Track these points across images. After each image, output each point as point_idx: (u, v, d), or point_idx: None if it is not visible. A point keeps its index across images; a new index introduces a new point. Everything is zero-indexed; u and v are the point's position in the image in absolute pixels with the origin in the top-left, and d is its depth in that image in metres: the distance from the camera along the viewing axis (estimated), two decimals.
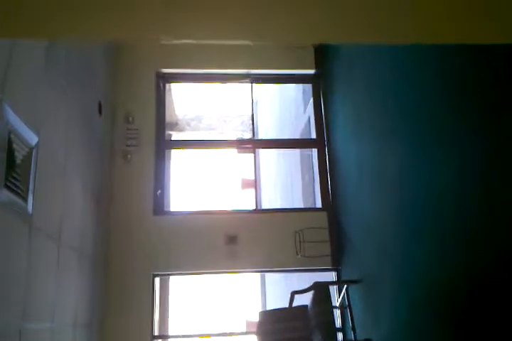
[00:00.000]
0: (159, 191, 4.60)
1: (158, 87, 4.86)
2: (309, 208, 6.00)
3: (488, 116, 2.08)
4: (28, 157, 2.35)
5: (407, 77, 2.95)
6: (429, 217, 2.66)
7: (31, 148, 2.39)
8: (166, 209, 4.72)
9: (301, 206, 7.66)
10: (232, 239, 4.43)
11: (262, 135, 10.37)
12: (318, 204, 5.11)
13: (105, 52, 4.24)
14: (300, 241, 4.37)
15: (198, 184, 14.72)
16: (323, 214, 4.66)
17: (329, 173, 4.81)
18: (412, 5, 0.93)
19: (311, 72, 5.07)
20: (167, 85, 5.07)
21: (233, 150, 5.27)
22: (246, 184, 12.27)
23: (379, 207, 3.50)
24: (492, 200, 2.06)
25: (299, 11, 0.94)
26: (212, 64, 4.95)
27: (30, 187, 2.38)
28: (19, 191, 2.24)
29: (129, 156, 4.50)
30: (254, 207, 5.19)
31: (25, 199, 2.32)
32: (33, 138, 2.40)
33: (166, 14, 0.93)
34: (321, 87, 5.04)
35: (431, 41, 1.02)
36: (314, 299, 3.65)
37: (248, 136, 9.52)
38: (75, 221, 3.27)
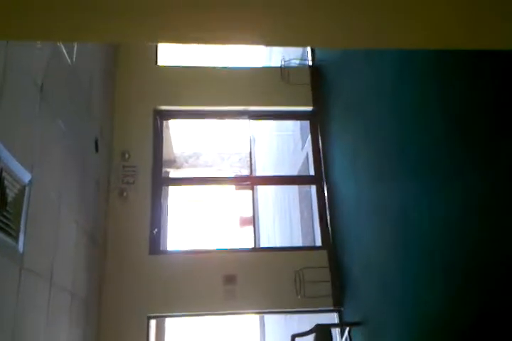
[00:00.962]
0: (156, 230, 4.51)
1: (155, 124, 4.86)
2: (309, 246, 5.88)
3: (489, 151, 2.04)
4: (20, 195, 2.28)
5: (405, 113, 2.94)
6: (432, 255, 2.58)
7: (24, 186, 2.33)
8: (162, 248, 4.61)
9: (301, 244, 7.55)
10: (230, 279, 4.31)
11: (260, 171, 10.35)
12: (318, 241, 5.01)
13: (103, 89, 4.25)
14: (300, 281, 4.25)
15: (196, 221, 14.55)
16: (323, 253, 4.56)
17: (328, 210, 4.74)
18: (420, 8, 0.91)
19: (309, 108, 5.09)
20: (165, 122, 5.07)
21: (231, 187, 5.21)
22: (244, 221, 12.13)
23: (380, 245, 3.42)
24: (498, 237, 1.99)
25: (308, 13, 0.91)
26: (210, 101, 4.98)
27: (22, 226, 2.31)
28: (10, 230, 2.16)
29: (125, 194, 4.43)
30: (252, 246, 5.09)
31: (15, 238, 2.24)
32: (25, 176, 2.34)
33: (174, 15, 0.90)
34: (319, 124, 5.05)
35: (438, 46, 0.99)
36: None
37: (246, 172, 9.49)
38: (67, 261, 3.16)
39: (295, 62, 5.28)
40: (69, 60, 3.07)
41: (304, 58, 5.39)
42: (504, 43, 0.94)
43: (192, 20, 0.94)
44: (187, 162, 8.65)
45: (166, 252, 4.62)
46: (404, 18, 0.92)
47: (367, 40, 1.04)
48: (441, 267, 2.48)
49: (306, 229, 7.01)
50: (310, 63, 5.28)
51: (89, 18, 0.86)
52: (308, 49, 5.44)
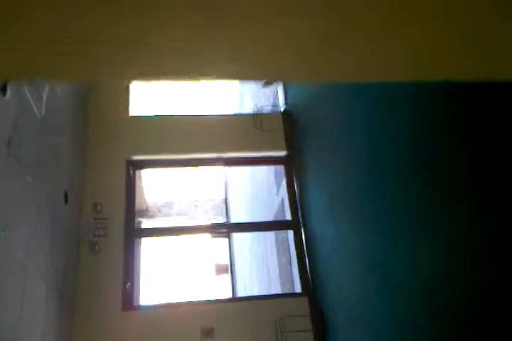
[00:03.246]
0: (129, 284, 4.32)
1: (128, 174, 4.78)
2: (289, 294, 5.72)
3: (469, 197, 2.04)
4: None
5: (381, 155, 2.95)
6: (416, 302, 2.52)
7: None
8: (135, 303, 4.40)
9: (280, 291, 7.37)
10: (208, 332, 4.13)
11: (235, 218, 10.24)
12: (298, 288, 4.89)
13: (73, 141, 4.18)
14: (281, 331, 4.10)
15: (170, 272, 14.14)
16: (304, 300, 4.44)
17: (307, 255, 4.66)
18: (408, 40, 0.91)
19: (283, 153, 5.12)
20: (137, 172, 5.00)
21: (206, 236, 5.11)
22: (220, 269, 11.85)
23: (362, 291, 3.33)
24: (485, 283, 1.95)
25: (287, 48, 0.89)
26: (183, 149, 4.96)
27: None
28: None
29: (96, 247, 4.26)
30: (230, 295, 4.94)
31: None
32: None
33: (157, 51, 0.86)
34: (294, 168, 5.06)
35: (425, 78, 0.98)
36: None
37: (220, 219, 9.36)
38: (35, 323, 2.96)
39: (267, 109, 5.35)
40: (38, 113, 3.01)
41: (275, 104, 5.48)
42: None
43: (166, 54, 0.91)
44: (160, 211, 8.51)
45: (139, 308, 4.42)
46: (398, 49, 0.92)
47: (353, 74, 1.03)
48: (426, 314, 2.42)
49: (285, 276, 6.86)
50: (282, 109, 5.37)
51: (59, 54, 0.82)
52: (280, 95, 5.54)
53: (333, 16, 0.85)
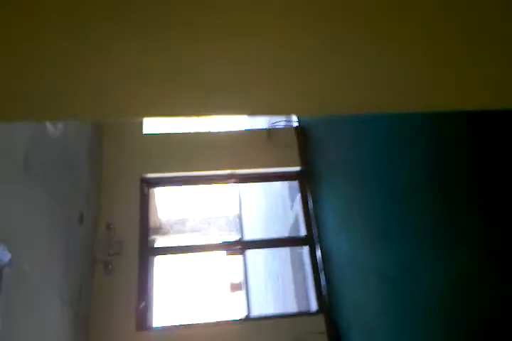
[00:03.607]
0: (143, 303, 4.27)
1: (142, 192, 4.77)
2: (305, 312, 5.63)
3: (490, 212, 1.98)
4: None
5: (397, 172, 2.91)
6: (435, 318, 2.45)
7: (2, 266, 2.17)
8: (149, 323, 4.34)
9: (295, 307, 7.27)
10: None
11: (249, 234, 10.17)
12: (314, 304, 4.81)
13: (89, 160, 4.19)
14: None
15: (184, 290, 14.05)
16: (320, 318, 4.37)
17: (323, 271, 4.59)
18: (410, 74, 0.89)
19: (297, 169, 5.08)
20: (151, 190, 4.99)
21: (220, 253, 5.06)
22: (234, 287, 11.73)
23: (378, 306, 3.26)
24: (506, 294, 1.88)
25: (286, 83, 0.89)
26: (197, 166, 4.95)
27: (0, 308, 2.12)
28: None
29: (110, 266, 4.23)
30: (244, 313, 4.87)
31: None
32: (4, 255, 2.19)
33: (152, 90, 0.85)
34: (308, 184, 5.01)
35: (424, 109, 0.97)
36: None
37: (233, 236, 9.30)
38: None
39: (281, 124, 5.34)
40: (54, 132, 3.02)
41: (289, 119, 5.47)
42: None
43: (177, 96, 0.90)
44: (173, 228, 8.48)
45: (154, 328, 4.35)
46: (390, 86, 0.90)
47: (355, 107, 1.01)
48: (444, 329, 2.34)
49: (301, 292, 6.76)
50: (296, 124, 5.35)
51: (73, 95, 0.81)
52: None
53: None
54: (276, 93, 0.92)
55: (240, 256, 4.91)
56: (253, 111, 1.04)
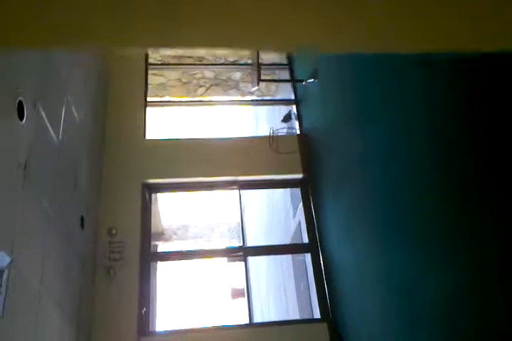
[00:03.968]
0: (144, 309, 4.25)
1: (144, 198, 4.76)
2: (307, 319, 5.58)
3: (495, 218, 1.97)
4: None
5: (400, 178, 2.89)
6: (441, 326, 2.42)
7: (2, 270, 2.17)
8: (151, 328, 4.33)
9: (298, 315, 7.21)
10: None
11: (251, 241, 10.14)
12: (317, 312, 4.77)
13: (90, 165, 4.19)
14: None
15: (186, 295, 13.99)
16: (323, 326, 4.33)
17: (326, 279, 4.56)
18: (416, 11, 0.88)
19: (299, 176, 5.07)
20: (153, 195, 4.98)
21: (222, 259, 5.04)
22: (236, 293, 11.68)
23: (383, 316, 3.22)
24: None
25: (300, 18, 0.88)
26: (199, 172, 4.94)
27: None
28: None
29: (112, 272, 4.22)
30: (246, 320, 4.83)
31: None
32: (4, 259, 2.19)
33: (161, 22, 0.84)
34: (310, 191, 5.00)
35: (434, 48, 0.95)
36: None
37: (236, 242, 9.28)
38: None
39: (283, 131, 5.34)
40: (55, 137, 3.03)
41: (291, 126, 5.47)
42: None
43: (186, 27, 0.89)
44: (176, 234, 8.47)
45: (155, 333, 4.33)
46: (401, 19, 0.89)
47: (359, 45, 1.00)
48: (452, 339, 2.32)
49: (303, 300, 6.72)
50: (298, 131, 5.35)
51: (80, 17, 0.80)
52: (296, 117, 5.54)
53: None
54: (281, 29, 0.90)
55: (242, 263, 4.88)
56: (258, 46, 1.04)
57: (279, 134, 5.24)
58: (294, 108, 5.68)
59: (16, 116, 2.37)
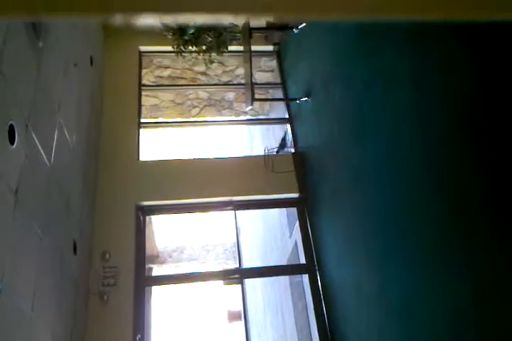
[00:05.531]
0: (139, 336, 4.13)
1: (137, 220, 4.69)
2: None
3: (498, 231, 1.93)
4: None
5: (398, 196, 2.86)
6: None
7: None
8: None
9: (296, 337, 7.07)
10: None
11: (247, 261, 10.02)
12: (315, 335, 4.66)
13: (83, 188, 4.13)
14: None
15: (181, 319, 13.73)
16: None
17: (324, 299, 4.48)
18: None
19: (295, 195, 5.02)
20: (147, 218, 4.90)
21: (218, 282, 4.94)
22: (233, 316, 11.47)
23: (383, 335, 3.14)
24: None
25: None
26: (194, 194, 4.89)
27: None
28: None
29: (105, 297, 4.11)
30: None
31: None
32: None
33: None
34: (307, 210, 4.95)
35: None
36: None
37: (232, 263, 9.16)
38: None
39: (277, 150, 5.31)
40: (47, 161, 2.98)
41: (285, 145, 5.45)
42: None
43: None
44: (170, 257, 8.35)
45: None
46: None
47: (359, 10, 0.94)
48: None
49: (301, 321, 6.60)
50: (292, 150, 5.33)
51: None
52: (290, 136, 5.52)
53: None
54: None
55: (239, 285, 4.78)
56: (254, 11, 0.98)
57: (274, 153, 5.21)
58: (288, 127, 5.67)
59: (7, 140, 2.32)
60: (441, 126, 2.31)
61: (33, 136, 2.70)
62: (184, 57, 5.21)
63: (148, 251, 4.97)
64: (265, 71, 6.86)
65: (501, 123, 1.89)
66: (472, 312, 2.11)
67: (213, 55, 5.16)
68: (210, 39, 4.97)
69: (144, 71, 6.10)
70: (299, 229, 5.05)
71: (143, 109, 5.75)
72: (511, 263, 1.85)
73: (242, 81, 6.25)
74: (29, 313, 2.61)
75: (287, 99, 5.74)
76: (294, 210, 5.33)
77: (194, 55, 5.16)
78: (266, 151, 5.08)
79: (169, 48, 5.31)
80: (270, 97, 7.29)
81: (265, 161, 4.97)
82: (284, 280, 7.32)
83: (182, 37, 4.93)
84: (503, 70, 1.86)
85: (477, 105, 2.03)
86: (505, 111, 1.86)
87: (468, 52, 2.09)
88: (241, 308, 8.35)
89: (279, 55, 6.19)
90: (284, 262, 7.08)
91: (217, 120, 7.36)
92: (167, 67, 6.62)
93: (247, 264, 9.42)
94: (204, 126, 6.50)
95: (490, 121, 1.96)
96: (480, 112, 2.01)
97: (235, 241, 5.67)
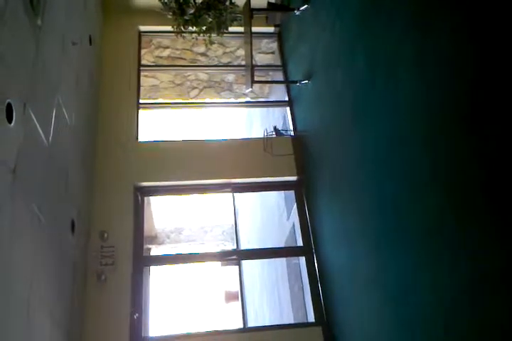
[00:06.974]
0: (136, 314, 4.18)
1: (136, 201, 4.70)
2: (302, 323, 5.54)
3: (491, 220, 1.94)
4: None
5: (397, 179, 2.86)
6: (439, 329, 2.39)
7: None
8: (144, 334, 4.25)
9: (292, 318, 7.18)
10: None
11: (245, 243, 10.10)
12: (311, 316, 4.73)
13: (81, 168, 4.12)
14: None
15: (179, 299, 13.90)
16: (318, 330, 4.31)
17: (320, 282, 4.53)
18: None
19: (293, 178, 5.03)
20: (145, 199, 4.91)
21: (216, 263, 4.99)
22: (230, 296, 11.61)
23: (380, 319, 3.19)
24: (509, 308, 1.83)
25: None
26: (192, 175, 4.89)
27: None
28: None
29: (103, 277, 4.15)
30: (240, 323, 4.79)
31: None
32: None
33: None
34: (305, 193, 4.96)
35: None
36: None
37: (229, 245, 9.23)
38: None
39: (277, 133, 5.29)
40: (45, 140, 2.97)
41: (285, 129, 5.43)
42: None
43: None
44: (169, 237, 8.41)
45: (148, 339, 4.26)
46: None
47: None
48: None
49: (297, 303, 6.68)
50: (291, 133, 5.31)
51: None
52: (290, 120, 5.50)
53: None
54: None
55: (236, 266, 4.83)
56: None
57: (273, 136, 5.20)
58: (287, 110, 5.65)
59: (5, 119, 2.31)
60: (444, 110, 2.30)
61: (31, 114, 2.69)
62: (184, 37, 5.15)
63: (146, 231, 5.00)
64: (266, 53, 6.79)
65: (506, 109, 1.88)
66: (468, 298, 2.14)
67: (213, 35, 5.10)
68: (210, 19, 4.91)
69: (143, 51, 6.03)
70: (296, 212, 5.07)
71: (142, 89, 5.70)
72: (510, 251, 1.86)
73: (243, 62, 6.20)
74: (27, 294, 2.63)
75: (287, 82, 5.70)
76: (292, 193, 5.34)
77: (194, 35, 5.10)
78: (265, 134, 5.07)
79: (169, 28, 5.24)
80: (270, 79, 7.24)
81: (264, 144, 4.96)
82: (281, 262, 7.39)
83: (182, 17, 4.86)
84: (507, 56, 1.85)
85: (480, 90, 2.01)
86: (509, 98, 1.85)
87: (471, 35, 2.07)
88: (238, 289, 8.45)
89: (280, 36, 6.11)
90: (281, 244, 7.13)
91: (217, 102, 7.32)
92: (166, 47, 6.55)
93: (244, 246, 9.49)
94: (203, 108, 6.46)
95: (493, 106, 1.95)
96: (483, 99, 2.00)
97: (233, 222, 5.70)
